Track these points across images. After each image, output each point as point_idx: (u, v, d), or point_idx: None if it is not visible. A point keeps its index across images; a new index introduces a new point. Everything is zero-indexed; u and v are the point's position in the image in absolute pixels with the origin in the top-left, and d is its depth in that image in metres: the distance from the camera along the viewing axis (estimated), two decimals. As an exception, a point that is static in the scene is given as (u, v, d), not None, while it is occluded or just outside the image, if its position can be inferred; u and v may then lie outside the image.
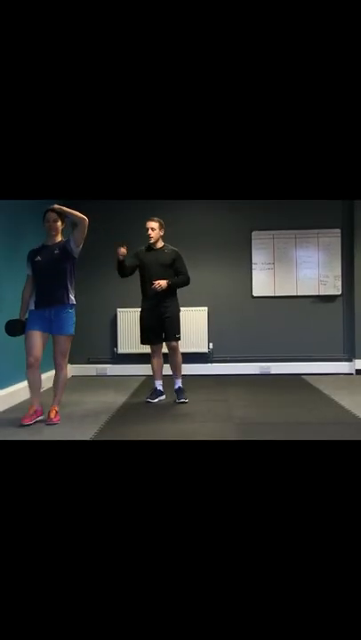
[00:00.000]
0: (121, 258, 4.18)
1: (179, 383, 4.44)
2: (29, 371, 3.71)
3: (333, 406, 4.31)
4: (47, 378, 5.16)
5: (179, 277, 4.34)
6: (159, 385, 4.45)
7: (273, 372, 6.05)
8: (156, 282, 4.20)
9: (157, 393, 4.43)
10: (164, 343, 4.42)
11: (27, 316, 3.71)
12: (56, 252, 3.69)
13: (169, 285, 4.24)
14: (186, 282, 4.39)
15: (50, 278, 3.66)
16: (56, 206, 3.68)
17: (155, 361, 4.45)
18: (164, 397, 4.43)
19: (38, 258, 3.69)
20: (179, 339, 4.40)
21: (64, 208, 3.67)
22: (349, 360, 6.07)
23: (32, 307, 3.70)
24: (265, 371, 6.07)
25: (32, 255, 3.73)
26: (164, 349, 4.46)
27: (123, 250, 4.16)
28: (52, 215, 3.69)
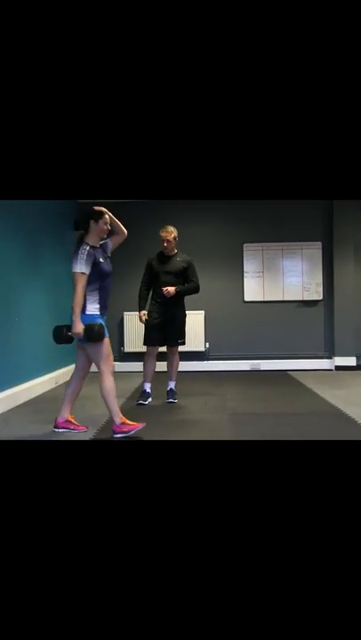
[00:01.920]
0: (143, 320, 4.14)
1: (172, 385, 4.21)
2: (112, 378, 3.08)
3: (315, 398, 4.32)
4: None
5: (188, 285, 4.10)
6: (148, 387, 4.13)
7: (262, 368, 6.07)
8: (165, 288, 4.02)
9: (147, 395, 4.11)
10: (160, 348, 4.17)
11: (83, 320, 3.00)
12: (107, 255, 3.19)
13: (177, 292, 4.05)
14: (194, 289, 4.14)
15: (109, 282, 3.21)
16: (108, 213, 3.14)
17: (149, 363, 4.12)
18: (151, 399, 4.13)
19: (101, 260, 3.08)
20: (182, 343, 4.18)
21: (112, 216, 3.16)
22: (330, 357, 6.10)
23: (96, 311, 3.06)
24: (255, 367, 6.09)
25: (94, 255, 3.02)
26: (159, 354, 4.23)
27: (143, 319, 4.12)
28: (108, 219, 3.14)
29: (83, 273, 2.97)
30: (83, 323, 2.94)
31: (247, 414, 3.77)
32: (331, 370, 6.01)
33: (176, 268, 4.11)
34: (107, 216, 3.11)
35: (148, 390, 4.16)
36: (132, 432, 2.96)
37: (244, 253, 6.16)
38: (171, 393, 4.22)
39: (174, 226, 4.19)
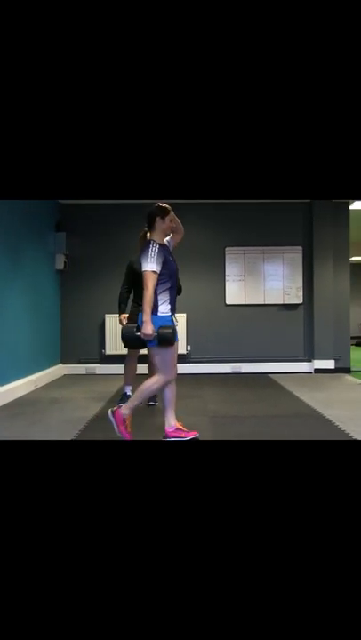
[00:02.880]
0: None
1: None
2: (163, 384, 2.95)
3: (295, 401, 4.35)
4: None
5: None
6: (129, 390, 4.09)
7: (243, 371, 6.09)
8: None
9: (127, 397, 4.02)
10: (141, 350, 4.01)
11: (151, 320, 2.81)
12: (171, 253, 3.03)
13: None
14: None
15: (176, 281, 3.01)
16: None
17: (130, 366, 4.09)
18: None
19: (170, 258, 2.90)
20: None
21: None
22: (309, 360, 6.16)
23: (168, 312, 2.89)
24: (236, 370, 6.11)
25: (165, 252, 2.87)
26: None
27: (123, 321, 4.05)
28: (174, 216, 2.95)
29: (154, 272, 2.78)
30: (154, 324, 2.78)
31: (228, 417, 3.77)
32: (310, 372, 6.08)
33: None
34: (172, 213, 2.94)
35: (129, 393, 4.13)
36: (118, 434, 2.88)
37: (226, 257, 6.19)
38: (152, 396, 4.19)
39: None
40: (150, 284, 2.78)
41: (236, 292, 6.19)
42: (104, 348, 6.07)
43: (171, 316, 2.91)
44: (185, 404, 4.16)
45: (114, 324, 5.81)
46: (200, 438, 3.08)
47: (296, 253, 6.18)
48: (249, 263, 6.19)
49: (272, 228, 6.17)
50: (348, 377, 5.83)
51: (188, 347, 6.10)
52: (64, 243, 5.94)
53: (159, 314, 2.83)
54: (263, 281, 6.19)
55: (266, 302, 6.18)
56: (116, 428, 2.85)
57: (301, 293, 6.17)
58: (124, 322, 4.08)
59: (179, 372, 6.39)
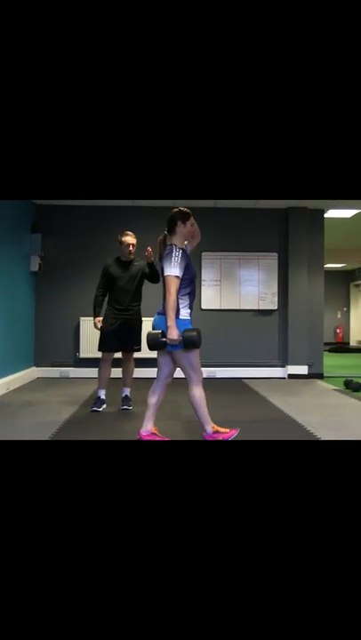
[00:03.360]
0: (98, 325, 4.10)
1: (127, 392, 4.19)
2: (201, 387, 3.00)
3: (268, 406, 4.41)
4: (8, 380, 5.04)
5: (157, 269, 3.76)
6: (103, 394, 4.11)
7: (218, 375, 6.14)
8: (148, 249, 3.81)
9: (101, 401, 4.10)
10: (116, 354, 4.14)
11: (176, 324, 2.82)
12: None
13: (149, 265, 3.91)
14: (158, 275, 3.79)
15: (195, 287, 3.02)
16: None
17: (105, 369, 4.10)
18: (105, 406, 4.13)
19: (191, 264, 2.94)
20: (137, 350, 4.15)
21: None
22: (283, 366, 6.26)
23: (188, 316, 2.92)
24: (211, 375, 6.15)
25: (186, 257, 2.88)
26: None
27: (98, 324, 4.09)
28: (193, 221, 2.97)
29: (177, 276, 2.78)
30: (178, 328, 2.79)
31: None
32: (283, 378, 6.17)
33: (133, 273, 4.11)
34: (192, 218, 2.94)
35: (103, 397, 4.12)
36: (228, 440, 2.88)
37: (203, 262, 6.24)
38: (126, 400, 4.20)
39: (133, 232, 4.21)
40: (173, 288, 2.76)
41: (211, 297, 6.24)
42: (78, 352, 6.03)
43: (190, 320, 2.91)
44: (160, 408, 4.16)
45: (89, 327, 5.78)
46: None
47: (272, 259, 6.29)
48: (225, 268, 6.26)
49: (248, 234, 6.26)
50: (321, 382, 5.95)
51: (164, 351, 6.10)
52: (39, 244, 5.89)
53: (181, 317, 2.84)
54: (239, 286, 6.26)
55: (241, 308, 6.25)
56: (161, 438, 2.94)
57: (276, 299, 6.27)
58: (99, 325, 4.09)
59: (153, 376, 6.38)
